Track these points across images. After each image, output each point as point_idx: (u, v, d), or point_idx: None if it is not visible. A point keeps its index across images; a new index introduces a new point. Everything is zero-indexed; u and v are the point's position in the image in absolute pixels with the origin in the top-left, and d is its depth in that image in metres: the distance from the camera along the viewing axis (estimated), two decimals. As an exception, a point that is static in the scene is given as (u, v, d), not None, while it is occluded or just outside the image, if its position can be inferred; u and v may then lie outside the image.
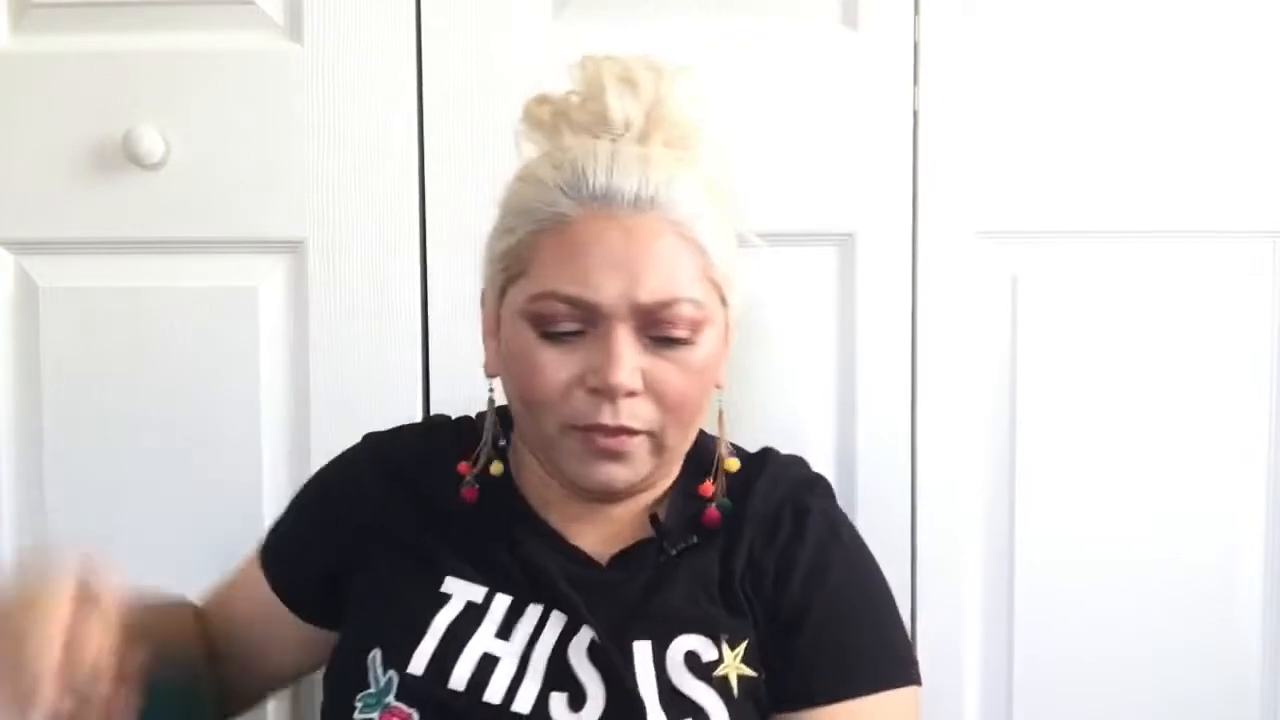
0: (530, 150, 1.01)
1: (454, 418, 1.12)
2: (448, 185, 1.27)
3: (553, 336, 0.94)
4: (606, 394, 0.93)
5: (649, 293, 0.92)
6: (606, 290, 0.92)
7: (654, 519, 1.02)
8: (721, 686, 0.95)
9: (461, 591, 0.99)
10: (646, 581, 0.99)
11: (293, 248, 1.28)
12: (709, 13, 1.26)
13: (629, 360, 0.93)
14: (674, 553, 1.00)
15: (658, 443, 0.97)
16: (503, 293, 0.98)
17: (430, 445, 1.08)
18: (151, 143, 1.25)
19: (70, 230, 1.28)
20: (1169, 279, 1.27)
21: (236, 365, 1.28)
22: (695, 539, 1.01)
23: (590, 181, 0.94)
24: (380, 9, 1.26)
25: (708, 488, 1.03)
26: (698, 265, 0.95)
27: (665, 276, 0.93)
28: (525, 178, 0.98)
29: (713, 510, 1.02)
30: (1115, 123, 1.25)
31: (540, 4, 1.26)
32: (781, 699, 0.97)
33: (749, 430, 1.10)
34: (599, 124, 0.98)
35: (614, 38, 1.23)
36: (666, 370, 0.95)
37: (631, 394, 0.94)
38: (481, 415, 1.07)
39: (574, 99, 1.00)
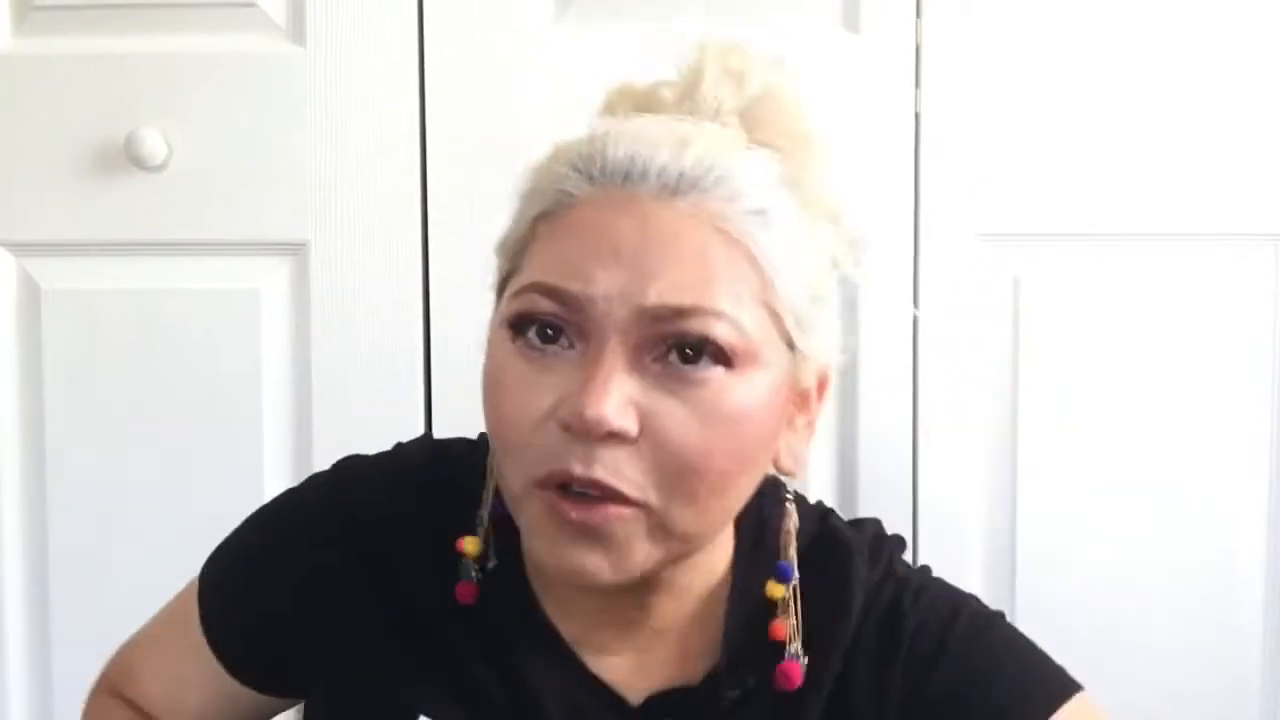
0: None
1: (444, 445, 0.86)
2: (450, 187, 1.27)
3: (531, 348, 0.69)
4: (578, 430, 0.66)
5: (660, 293, 0.66)
6: (601, 284, 0.67)
7: (713, 671, 0.77)
8: None
9: None
10: None
11: (295, 250, 1.28)
12: (711, 15, 1.26)
13: (614, 385, 0.66)
14: (730, 705, 0.76)
15: (656, 524, 0.68)
16: (500, 298, 0.75)
17: (411, 501, 0.82)
18: (154, 145, 1.25)
19: (72, 232, 1.28)
20: (1171, 281, 1.27)
21: (238, 367, 1.28)
22: (753, 681, 0.76)
23: (608, 152, 0.70)
24: (382, 11, 1.26)
25: (779, 629, 0.75)
26: (746, 279, 0.69)
27: (689, 276, 0.67)
28: (544, 156, 0.75)
29: (793, 668, 0.75)
30: (1118, 124, 1.25)
31: (542, 5, 1.26)
32: None
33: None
34: (686, 110, 0.75)
35: (615, 39, 1.25)
36: (675, 414, 0.67)
37: (613, 435, 0.66)
38: (460, 453, 0.84)
39: (665, 91, 0.77)
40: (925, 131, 1.25)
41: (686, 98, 0.75)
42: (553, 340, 0.68)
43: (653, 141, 0.70)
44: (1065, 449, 1.28)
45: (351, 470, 0.86)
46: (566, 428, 0.67)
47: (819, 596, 0.76)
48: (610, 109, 0.79)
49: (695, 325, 0.67)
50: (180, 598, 0.92)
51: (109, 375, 1.29)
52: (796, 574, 0.77)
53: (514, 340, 0.69)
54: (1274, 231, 1.27)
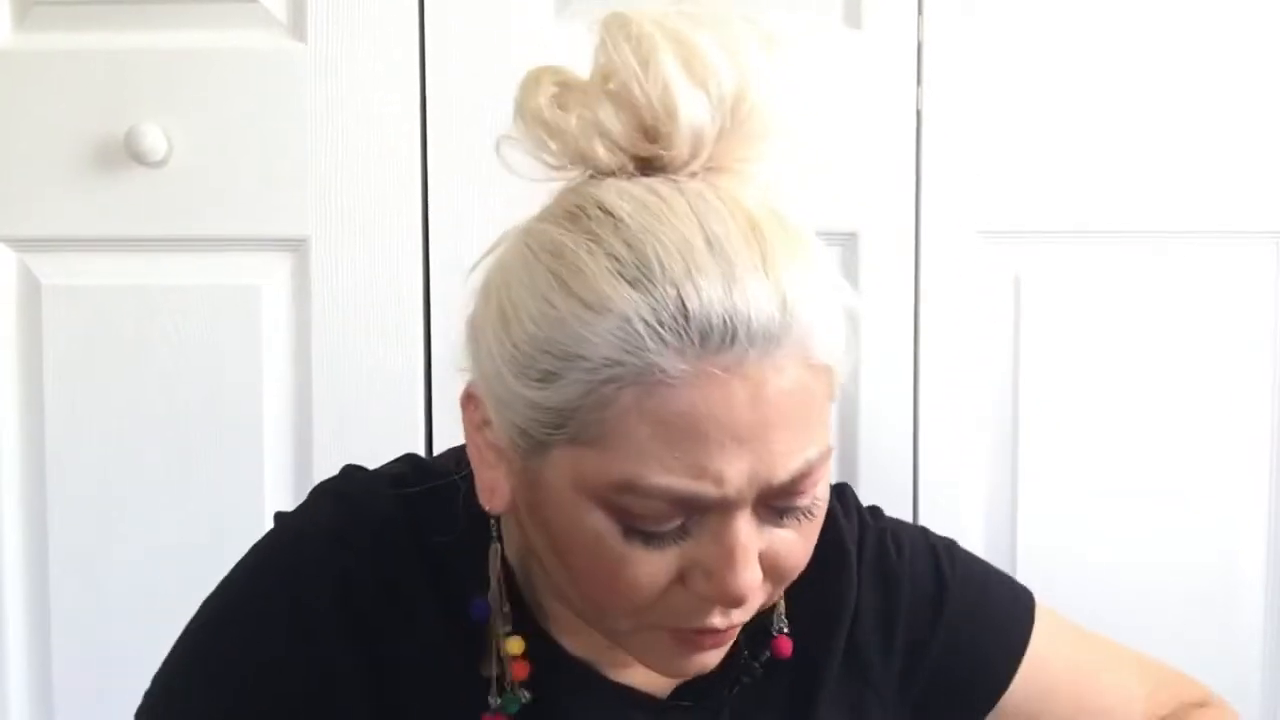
0: (523, 161, 0.70)
1: (375, 482, 0.79)
2: (451, 183, 1.26)
3: (645, 536, 0.65)
4: (727, 605, 0.67)
5: (786, 469, 0.64)
6: (733, 479, 0.63)
7: (733, 652, 0.77)
8: None
9: None
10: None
11: (296, 246, 1.28)
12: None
13: (753, 556, 0.66)
14: (749, 679, 0.80)
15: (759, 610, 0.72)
16: (540, 447, 0.66)
17: (387, 551, 0.75)
18: (154, 140, 1.25)
19: (73, 227, 1.28)
20: (1171, 279, 1.27)
21: (239, 363, 1.28)
22: (767, 656, 0.79)
23: (704, 315, 0.61)
24: (383, 7, 1.26)
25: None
26: (827, 396, 0.67)
27: (801, 437, 0.64)
28: (574, 291, 0.63)
29: (784, 641, 0.79)
30: (1118, 122, 1.25)
31: (542, 2, 1.26)
32: (970, 709, 0.87)
33: None
34: (647, 144, 0.67)
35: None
36: (786, 542, 0.68)
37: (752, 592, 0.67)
38: (420, 472, 0.79)
39: (604, 99, 0.66)
40: (927, 129, 1.25)
41: (647, 128, 0.66)
42: (670, 530, 0.65)
43: (748, 292, 0.62)
44: (1067, 445, 1.27)
45: (305, 540, 0.76)
46: (709, 599, 0.66)
47: (815, 557, 0.74)
48: (531, 116, 0.68)
49: (809, 480, 0.66)
50: None
51: (110, 371, 1.29)
52: None
53: (618, 524, 0.65)
54: (1274, 229, 1.27)
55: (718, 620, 0.67)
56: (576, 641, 0.76)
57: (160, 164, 1.26)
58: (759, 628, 0.77)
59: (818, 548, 0.73)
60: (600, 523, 0.65)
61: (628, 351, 0.61)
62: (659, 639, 0.69)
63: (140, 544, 1.29)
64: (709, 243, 0.63)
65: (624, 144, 0.67)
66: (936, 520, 1.25)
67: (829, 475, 0.69)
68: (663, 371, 0.61)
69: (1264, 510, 1.28)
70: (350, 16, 1.26)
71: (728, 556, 0.64)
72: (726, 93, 0.66)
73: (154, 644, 1.26)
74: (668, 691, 0.78)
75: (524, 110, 0.68)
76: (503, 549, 0.74)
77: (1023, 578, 1.26)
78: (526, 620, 0.75)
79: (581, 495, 0.65)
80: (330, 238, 1.27)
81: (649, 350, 0.61)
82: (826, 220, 1.26)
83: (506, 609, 0.74)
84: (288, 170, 1.27)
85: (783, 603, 0.78)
